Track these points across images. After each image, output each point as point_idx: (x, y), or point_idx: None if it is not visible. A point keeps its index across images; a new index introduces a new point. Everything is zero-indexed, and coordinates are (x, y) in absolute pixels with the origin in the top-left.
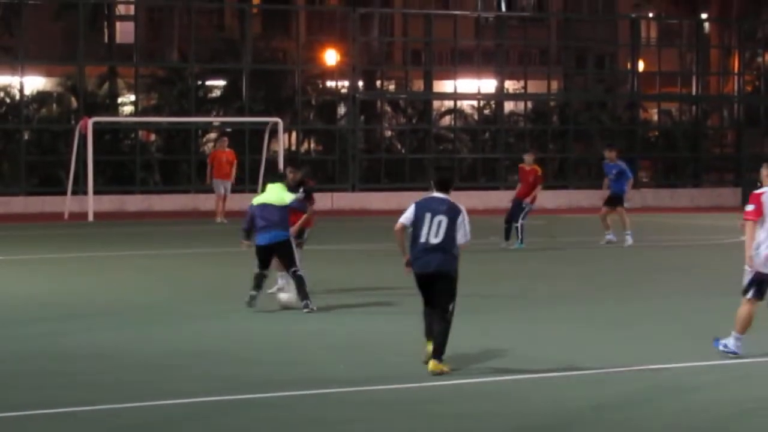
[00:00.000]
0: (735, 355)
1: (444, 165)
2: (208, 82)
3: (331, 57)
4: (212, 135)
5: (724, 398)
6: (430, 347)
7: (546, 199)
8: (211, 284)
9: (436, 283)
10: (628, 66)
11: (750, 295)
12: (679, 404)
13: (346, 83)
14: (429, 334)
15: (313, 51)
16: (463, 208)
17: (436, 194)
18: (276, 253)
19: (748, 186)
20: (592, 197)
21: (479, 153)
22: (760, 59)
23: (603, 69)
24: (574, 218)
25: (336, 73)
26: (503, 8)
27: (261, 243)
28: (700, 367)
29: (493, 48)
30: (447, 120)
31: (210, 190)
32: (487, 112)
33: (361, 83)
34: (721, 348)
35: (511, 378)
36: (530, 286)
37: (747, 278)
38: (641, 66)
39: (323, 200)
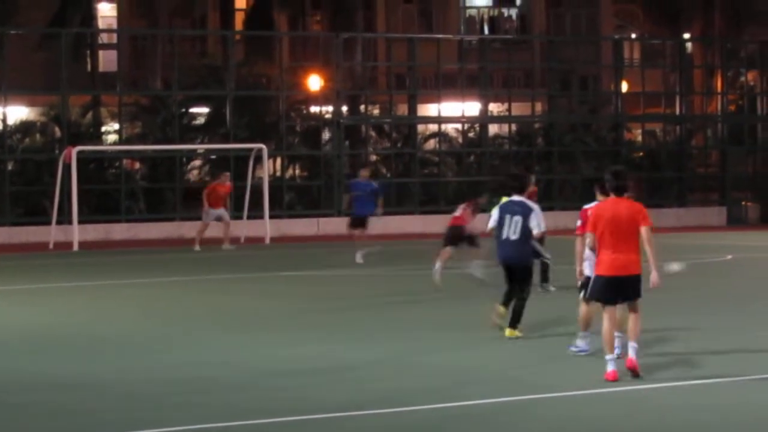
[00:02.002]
0: (586, 352)
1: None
2: (192, 110)
3: (314, 82)
4: (197, 162)
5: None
6: (501, 309)
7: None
8: (198, 312)
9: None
10: (612, 87)
11: (583, 295)
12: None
13: (330, 108)
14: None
15: (297, 76)
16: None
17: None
18: None
19: (733, 205)
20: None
21: (464, 176)
22: (743, 78)
23: (587, 90)
24: (560, 239)
25: (320, 99)
26: (486, 31)
27: None
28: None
29: (477, 71)
30: (432, 143)
31: (196, 218)
32: (471, 135)
33: (345, 108)
34: (572, 350)
35: (501, 401)
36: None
37: (579, 281)
38: (625, 87)
39: (310, 226)
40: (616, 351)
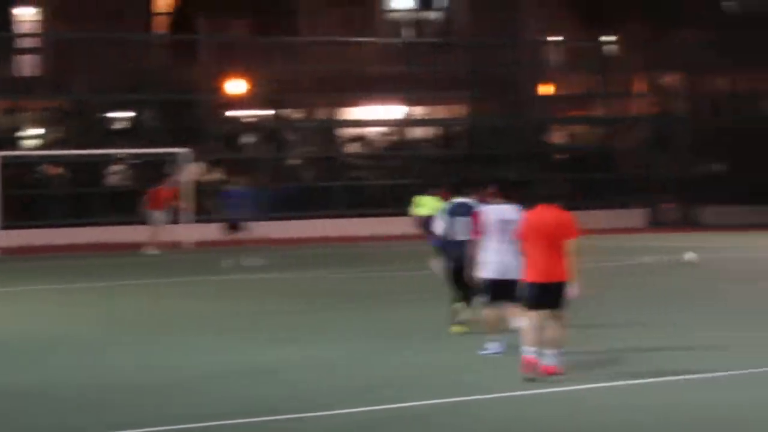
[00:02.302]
0: (500, 354)
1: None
2: (115, 114)
3: (238, 86)
4: (120, 167)
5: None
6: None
7: None
8: (127, 316)
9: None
10: (535, 90)
11: (486, 299)
12: None
13: (254, 112)
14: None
15: (220, 80)
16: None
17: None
18: None
19: (656, 207)
20: None
21: (387, 179)
22: (666, 80)
23: (510, 93)
24: None
25: (243, 103)
26: (410, 34)
27: None
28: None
29: (401, 74)
30: (355, 147)
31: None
32: (395, 138)
33: (269, 112)
34: (483, 353)
35: (437, 402)
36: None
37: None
38: (548, 89)
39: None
40: (501, 348)
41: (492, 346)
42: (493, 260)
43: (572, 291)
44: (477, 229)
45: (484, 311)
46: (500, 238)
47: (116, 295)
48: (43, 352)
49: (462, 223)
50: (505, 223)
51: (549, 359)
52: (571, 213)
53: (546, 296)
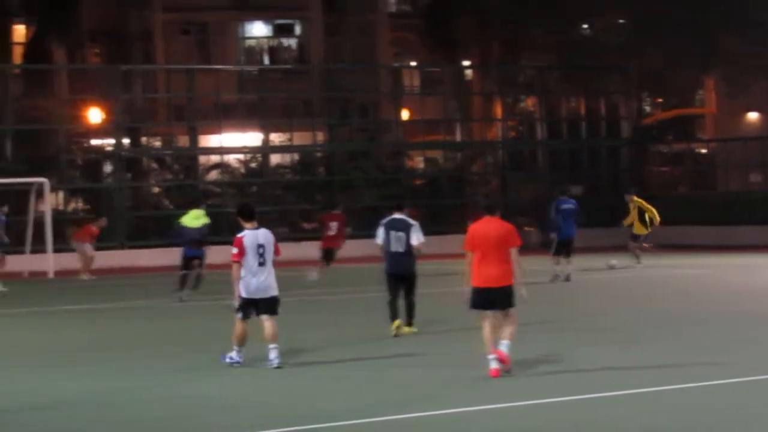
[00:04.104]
0: (240, 364)
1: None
2: None
3: (94, 115)
4: None
5: None
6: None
7: (317, 249)
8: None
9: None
10: (392, 115)
11: (240, 315)
12: None
13: (111, 141)
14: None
15: (77, 109)
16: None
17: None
18: None
19: (518, 230)
20: (363, 246)
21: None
22: (522, 104)
23: (367, 118)
24: (349, 268)
25: (100, 131)
26: (266, 61)
27: None
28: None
29: (257, 101)
30: (214, 174)
31: None
32: (253, 165)
33: (126, 140)
34: (227, 360)
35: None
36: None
37: (237, 302)
38: (405, 114)
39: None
40: (277, 360)
41: (235, 356)
42: (248, 280)
43: (520, 292)
44: (240, 252)
45: (237, 325)
46: (255, 260)
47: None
48: None
49: (398, 237)
50: (259, 246)
51: (505, 347)
52: (512, 224)
53: (495, 299)
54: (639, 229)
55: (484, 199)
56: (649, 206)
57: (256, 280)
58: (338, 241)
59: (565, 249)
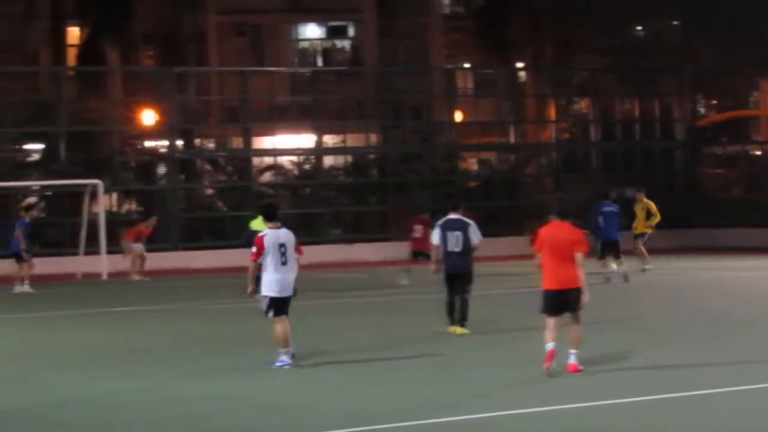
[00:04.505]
0: (290, 365)
1: None
2: (25, 146)
3: (148, 117)
4: (32, 199)
5: None
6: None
7: (368, 251)
8: (34, 348)
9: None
10: (445, 117)
11: (271, 315)
12: None
13: (165, 143)
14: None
15: (131, 111)
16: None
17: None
18: None
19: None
20: None
21: (300, 208)
22: (575, 106)
23: (420, 120)
24: (395, 270)
25: (154, 133)
26: (319, 63)
27: None
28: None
29: (310, 103)
30: (267, 176)
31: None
32: (306, 167)
33: (179, 142)
34: (278, 365)
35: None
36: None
37: (265, 303)
38: (458, 116)
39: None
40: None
41: (285, 359)
42: (273, 279)
43: (584, 297)
44: (259, 252)
45: (275, 326)
46: (277, 259)
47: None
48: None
49: (456, 237)
50: (280, 246)
51: (573, 358)
52: (580, 229)
53: (568, 300)
54: (644, 228)
55: (556, 204)
56: (655, 209)
57: (280, 278)
58: (424, 242)
59: (611, 251)
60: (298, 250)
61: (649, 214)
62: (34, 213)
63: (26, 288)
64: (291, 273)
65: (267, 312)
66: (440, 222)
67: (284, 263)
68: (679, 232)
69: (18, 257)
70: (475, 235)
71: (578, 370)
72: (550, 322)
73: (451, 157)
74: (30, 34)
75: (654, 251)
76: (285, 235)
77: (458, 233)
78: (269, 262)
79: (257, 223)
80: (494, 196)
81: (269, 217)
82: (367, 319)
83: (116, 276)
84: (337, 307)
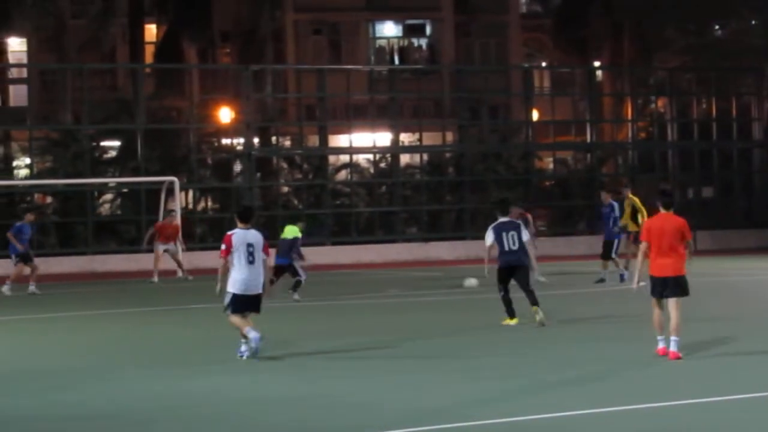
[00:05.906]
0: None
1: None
2: (103, 143)
3: (225, 114)
4: (108, 196)
5: None
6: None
7: (444, 250)
8: (115, 345)
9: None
10: (522, 116)
11: (229, 311)
12: None
13: (241, 140)
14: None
15: (207, 109)
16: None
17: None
18: None
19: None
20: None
21: (376, 206)
22: (652, 105)
23: (497, 119)
24: (472, 269)
25: (230, 131)
26: (396, 61)
27: None
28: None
29: (387, 101)
30: (343, 174)
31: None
32: (383, 165)
33: (256, 140)
34: (239, 354)
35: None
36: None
37: (227, 299)
38: (535, 115)
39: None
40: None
41: (255, 345)
42: (239, 278)
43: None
44: (228, 249)
45: (231, 318)
46: (245, 257)
47: (111, 324)
48: (28, 382)
49: (511, 236)
50: (248, 245)
51: (674, 345)
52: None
53: (669, 286)
54: (631, 227)
55: (662, 196)
56: (641, 206)
57: (245, 277)
58: None
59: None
60: (265, 251)
61: (634, 211)
62: (32, 216)
63: (33, 288)
64: (257, 272)
65: (226, 308)
66: (493, 225)
67: (251, 262)
68: (757, 232)
69: (26, 259)
70: (525, 232)
71: (678, 358)
72: (655, 308)
73: (527, 156)
74: (108, 32)
75: (731, 251)
76: (254, 236)
77: (513, 233)
78: (236, 261)
79: (291, 230)
80: (570, 196)
81: (243, 219)
82: (442, 317)
83: (191, 273)
84: (418, 305)
